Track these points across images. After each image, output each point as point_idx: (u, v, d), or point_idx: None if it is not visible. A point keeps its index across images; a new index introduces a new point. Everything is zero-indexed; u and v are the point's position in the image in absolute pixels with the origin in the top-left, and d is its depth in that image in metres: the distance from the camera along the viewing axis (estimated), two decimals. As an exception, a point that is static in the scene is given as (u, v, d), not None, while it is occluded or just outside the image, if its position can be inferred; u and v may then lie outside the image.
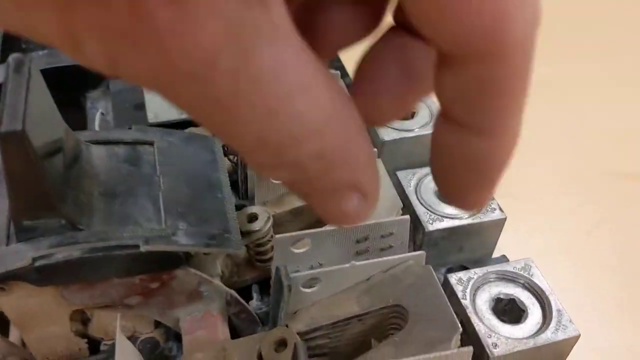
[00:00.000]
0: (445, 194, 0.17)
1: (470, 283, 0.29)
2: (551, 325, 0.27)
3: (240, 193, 0.34)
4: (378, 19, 0.17)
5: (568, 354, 0.29)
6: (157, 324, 0.30)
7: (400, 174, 0.34)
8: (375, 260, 0.27)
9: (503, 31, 0.13)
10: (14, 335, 0.29)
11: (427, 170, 0.33)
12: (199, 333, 0.27)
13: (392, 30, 0.17)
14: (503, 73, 0.13)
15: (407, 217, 0.28)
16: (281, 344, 0.25)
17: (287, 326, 0.26)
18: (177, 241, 0.25)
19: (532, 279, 0.29)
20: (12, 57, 0.23)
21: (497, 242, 0.34)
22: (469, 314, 0.28)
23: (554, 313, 0.28)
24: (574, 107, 0.56)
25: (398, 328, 0.28)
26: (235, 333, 0.29)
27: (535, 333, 0.27)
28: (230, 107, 0.13)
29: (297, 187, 0.16)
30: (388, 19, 0.16)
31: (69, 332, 0.28)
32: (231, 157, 0.35)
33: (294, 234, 0.27)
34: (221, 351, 0.25)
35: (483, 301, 0.28)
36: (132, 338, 0.29)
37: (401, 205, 0.30)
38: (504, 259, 0.34)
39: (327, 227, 0.28)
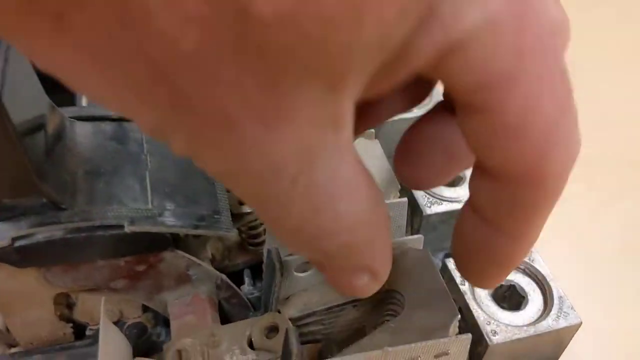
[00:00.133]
0: (463, 274, 0.20)
1: (469, 268, 0.28)
2: (552, 313, 0.26)
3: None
4: (424, 95, 0.19)
5: (569, 342, 0.28)
6: (145, 309, 0.29)
7: (398, 157, 0.33)
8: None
9: (543, 168, 0.15)
10: (-4, 319, 0.28)
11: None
12: (187, 318, 0.26)
13: (441, 105, 0.18)
14: (536, 196, 0.15)
15: (405, 199, 0.27)
16: (272, 329, 0.24)
17: (279, 312, 0.25)
18: (164, 222, 0.24)
19: (533, 264, 0.28)
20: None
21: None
22: (467, 300, 0.27)
23: (556, 300, 0.27)
24: (578, 93, 0.55)
25: (394, 314, 0.27)
26: (226, 318, 0.28)
27: (536, 320, 0.26)
28: (282, 204, 0.14)
29: (316, 262, 0.18)
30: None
31: (53, 316, 0.27)
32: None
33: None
34: (210, 337, 0.24)
35: (482, 287, 0.27)
36: (118, 323, 0.28)
37: (399, 187, 0.29)
38: (504, 244, 0.33)
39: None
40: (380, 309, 0.27)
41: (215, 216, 0.25)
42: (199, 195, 0.26)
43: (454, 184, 0.31)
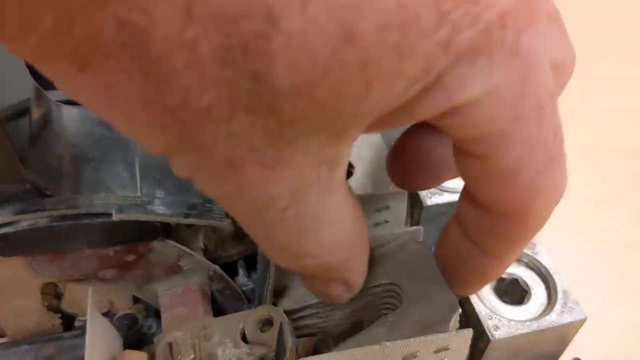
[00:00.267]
0: (449, 282, 0.22)
1: (471, 261, 0.27)
2: (556, 307, 0.25)
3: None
4: None
5: (572, 338, 0.27)
6: (136, 300, 0.28)
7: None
8: (370, 234, 0.25)
9: (529, 209, 0.16)
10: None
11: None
12: (178, 310, 0.26)
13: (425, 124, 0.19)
14: (519, 230, 0.17)
15: (404, 190, 0.26)
16: (267, 323, 0.23)
17: (274, 304, 0.24)
18: (154, 210, 0.23)
19: (536, 257, 0.27)
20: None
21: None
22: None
23: (560, 294, 0.26)
24: (580, 84, 0.54)
25: (392, 308, 0.26)
26: (219, 311, 0.27)
27: (540, 315, 0.25)
28: (270, 227, 0.15)
29: (296, 270, 0.19)
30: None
31: (40, 307, 0.27)
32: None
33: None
34: (201, 329, 0.24)
35: (484, 281, 0.27)
36: (108, 314, 0.28)
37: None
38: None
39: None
40: (378, 302, 0.26)
41: (207, 205, 0.24)
42: (191, 182, 0.25)
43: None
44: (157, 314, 0.28)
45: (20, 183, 0.22)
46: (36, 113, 0.24)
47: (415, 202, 0.30)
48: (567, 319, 0.25)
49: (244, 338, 0.23)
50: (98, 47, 0.11)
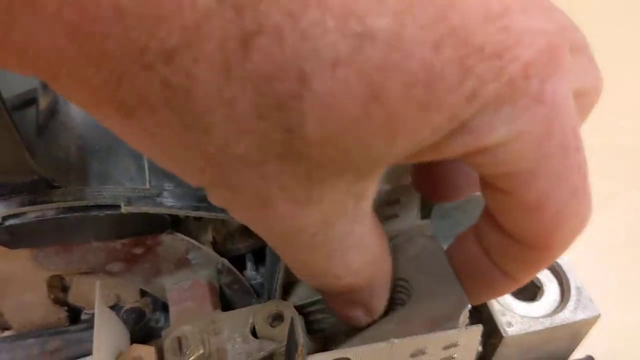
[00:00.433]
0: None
1: (483, 257, 0.26)
2: (570, 304, 0.25)
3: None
4: None
5: (585, 335, 0.27)
6: (143, 293, 0.27)
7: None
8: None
9: (552, 239, 0.17)
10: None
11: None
12: (187, 304, 0.25)
13: None
14: (540, 257, 0.17)
15: (416, 183, 0.26)
16: (277, 318, 0.23)
17: (283, 299, 0.24)
18: (163, 202, 0.23)
19: (549, 253, 0.27)
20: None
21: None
22: (480, 290, 0.25)
23: (573, 290, 0.25)
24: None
25: (401, 303, 0.25)
26: (227, 305, 0.27)
27: (553, 312, 0.25)
28: (299, 250, 0.16)
29: (319, 290, 0.20)
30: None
31: (46, 300, 0.26)
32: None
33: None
34: (210, 324, 0.23)
35: (496, 276, 0.26)
36: (115, 307, 0.27)
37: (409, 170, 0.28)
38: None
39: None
40: (388, 297, 0.26)
41: (217, 197, 0.24)
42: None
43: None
44: (164, 308, 0.28)
45: (28, 174, 0.22)
46: (43, 103, 0.24)
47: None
48: (580, 315, 0.25)
49: (254, 333, 0.23)
50: (143, 102, 0.12)
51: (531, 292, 0.26)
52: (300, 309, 0.24)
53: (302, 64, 0.12)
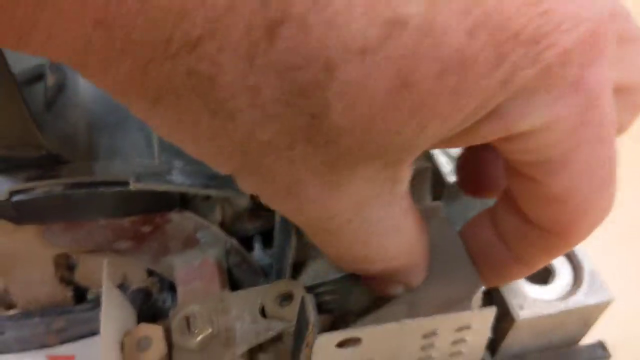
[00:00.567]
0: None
1: (494, 240, 0.26)
2: (583, 288, 0.25)
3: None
4: None
5: (596, 320, 0.26)
6: (151, 273, 0.27)
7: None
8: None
9: (574, 228, 0.17)
10: (-6, 279, 0.27)
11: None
12: (195, 283, 0.25)
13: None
14: (560, 244, 0.17)
15: (428, 165, 0.26)
16: (286, 297, 0.23)
17: (293, 278, 0.24)
18: (172, 180, 0.22)
19: (561, 237, 0.26)
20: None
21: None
22: (491, 273, 0.25)
23: (586, 274, 0.25)
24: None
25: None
26: (235, 285, 0.27)
27: (565, 295, 0.25)
28: (333, 236, 0.16)
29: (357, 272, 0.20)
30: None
31: (53, 278, 0.26)
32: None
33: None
34: (218, 303, 0.23)
35: (507, 260, 0.26)
36: (122, 287, 0.27)
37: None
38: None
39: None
40: (399, 279, 0.26)
41: (226, 176, 0.24)
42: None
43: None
44: (171, 288, 0.27)
45: (35, 148, 0.21)
46: (51, 79, 0.24)
47: (437, 180, 0.29)
48: (593, 300, 0.24)
49: (263, 312, 0.23)
50: (168, 90, 0.13)
51: (543, 275, 0.26)
52: (309, 289, 0.24)
53: (327, 53, 0.12)
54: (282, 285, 0.23)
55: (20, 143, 0.21)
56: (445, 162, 0.29)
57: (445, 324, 0.20)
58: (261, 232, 0.29)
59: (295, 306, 0.22)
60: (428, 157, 0.29)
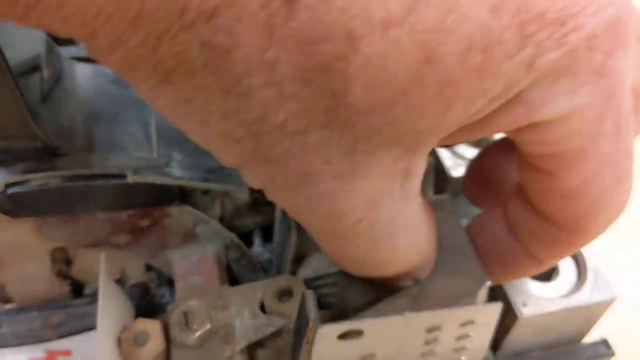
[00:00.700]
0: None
1: (497, 236, 0.26)
2: (587, 286, 0.24)
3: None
4: None
5: (599, 318, 0.26)
6: (149, 268, 0.27)
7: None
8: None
9: (588, 224, 0.16)
10: (-10, 273, 0.27)
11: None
12: (193, 279, 0.25)
13: (504, 141, 0.19)
14: (573, 241, 0.17)
15: (431, 160, 0.25)
16: (286, 293, 0.22)
17: (292, 273, 0.23)
18: (171, 173, 0.22)
19: (565, 234, 0.26)
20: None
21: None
22: (494, 269, 0.25)
23: (590, 272, 0.25)
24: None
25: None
26: (235, 281, 0.26)
27: (569, 293, 0.24)
28: (343, 239, 0.15)
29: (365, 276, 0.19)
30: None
31: (49, 273, 0.26)
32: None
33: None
34: (218, 299, 0.23)
35: (510, 256, 0.26)
36: (120, 282, 0.27)
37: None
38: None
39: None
40: (401, 274, 0.25)
41: (227, 170, 0.23)
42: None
43: (479, 143, 0.29)
44: (169, 283, 0.27)
45: (31, 139, 0.21)
46: (47, 70, 0.23)
47: (439, 174, 0.29)
48: (596, 298, 0.24)
49: (262, 308, 0.22)
50: (180, 64, 0.12)
51: (546, 272, 0.26)
52: (309, 282, 0.24)
53: (350, 24, 0.11)
54: (281, 281, 0.22)
55: (16, 134, 0.21)
56: (448, 156, 0.29)
57: (450, 317, 0.20)
58: (261, 227, 0.29)
59: (295, 302, 0.22)
60: (431, 151, 0.29)
